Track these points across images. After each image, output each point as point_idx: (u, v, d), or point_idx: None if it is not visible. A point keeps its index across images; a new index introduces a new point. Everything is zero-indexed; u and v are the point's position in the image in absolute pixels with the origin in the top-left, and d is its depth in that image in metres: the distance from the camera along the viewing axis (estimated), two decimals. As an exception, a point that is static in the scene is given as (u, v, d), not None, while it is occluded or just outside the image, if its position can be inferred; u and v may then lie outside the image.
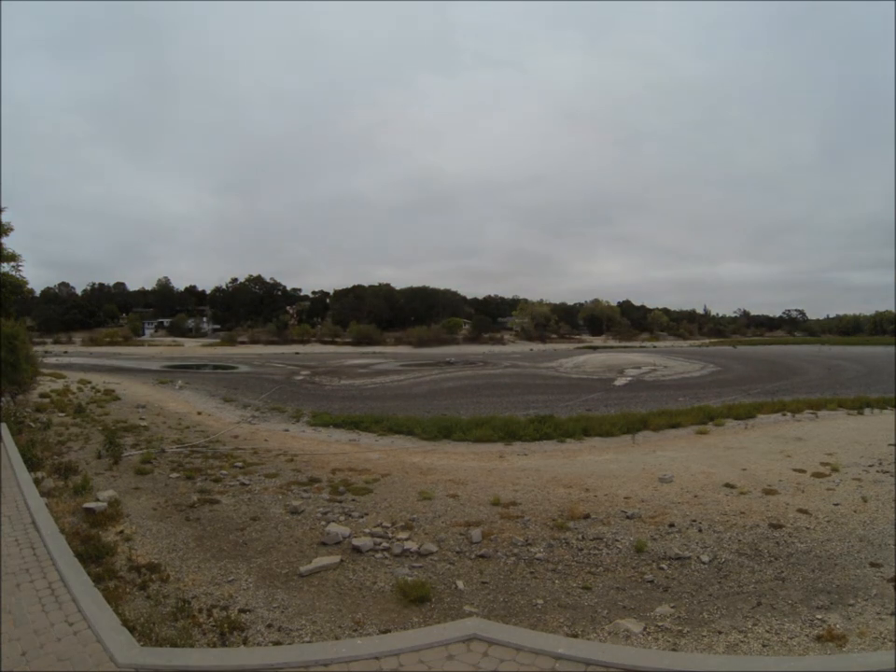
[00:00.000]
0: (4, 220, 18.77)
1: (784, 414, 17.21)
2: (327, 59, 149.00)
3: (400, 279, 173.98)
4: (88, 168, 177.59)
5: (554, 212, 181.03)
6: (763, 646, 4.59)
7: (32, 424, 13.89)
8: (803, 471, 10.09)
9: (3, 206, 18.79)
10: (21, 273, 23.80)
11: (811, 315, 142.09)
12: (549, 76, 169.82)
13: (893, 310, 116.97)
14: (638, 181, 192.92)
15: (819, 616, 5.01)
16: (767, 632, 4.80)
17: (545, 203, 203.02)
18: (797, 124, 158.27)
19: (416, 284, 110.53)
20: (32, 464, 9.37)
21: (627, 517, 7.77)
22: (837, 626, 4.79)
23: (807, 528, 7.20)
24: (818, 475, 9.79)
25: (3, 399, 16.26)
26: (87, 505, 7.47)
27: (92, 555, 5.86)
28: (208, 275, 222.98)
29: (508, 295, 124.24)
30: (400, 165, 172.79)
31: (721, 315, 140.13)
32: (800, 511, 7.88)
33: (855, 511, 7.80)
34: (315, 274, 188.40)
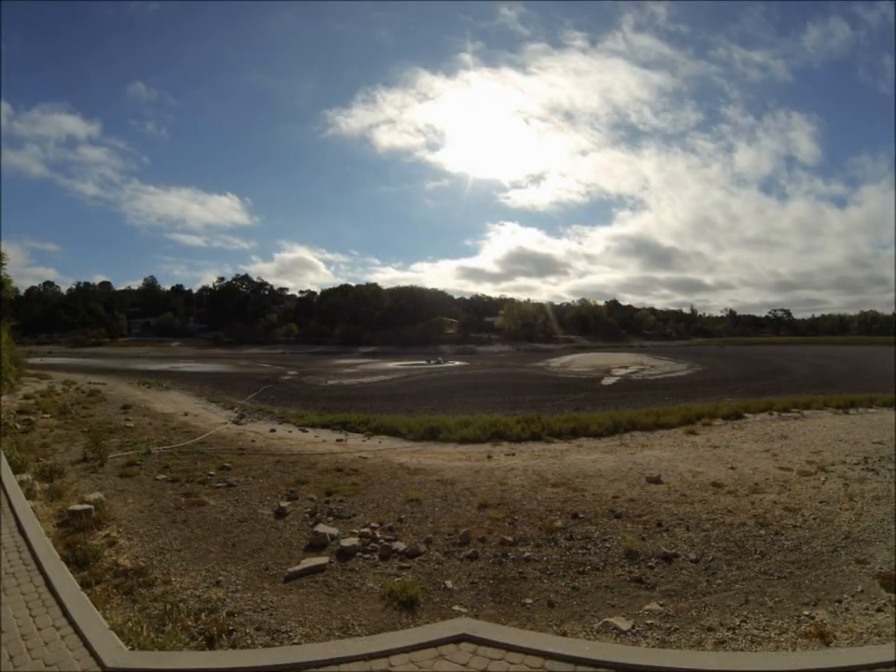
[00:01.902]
0: None
1: (771, 413, 17.32)
2: (326, 58, 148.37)
3: (400, 279, 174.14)
4: (85, 168, 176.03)
5: (554, 212, 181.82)
6: (753, 642, 4.64)
7: (18, 426, 13.67)
8: (789, 470, 10.18)
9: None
10: (6, 271, 23.56)
11: (797, 315, 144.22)
12: (549, 75, 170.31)
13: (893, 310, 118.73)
14: (638, 181, 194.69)
15: (807, 612, 5.06)
16: (756, 628, 4.85)
17: (545, 203, 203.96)
18: (797, 124, 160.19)
19: (417, 285, 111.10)
20: (16, 466, 9.25)
21: (616, 516, 7.81)
22: (826, 622, 4.85)
23: (794, 526, 7.27)
24: (804, 473, 9.88)
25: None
26: (73, 508, 7.35)
27: (79, 559, 5.79)
28: (196, 274, 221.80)
29: (509, 294, 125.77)
30: (400, 165, 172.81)
31: (707, 315, 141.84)
32: (787, 509, 7.95)
33: (841, 509, 7.88)
34: (314, 274, 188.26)
